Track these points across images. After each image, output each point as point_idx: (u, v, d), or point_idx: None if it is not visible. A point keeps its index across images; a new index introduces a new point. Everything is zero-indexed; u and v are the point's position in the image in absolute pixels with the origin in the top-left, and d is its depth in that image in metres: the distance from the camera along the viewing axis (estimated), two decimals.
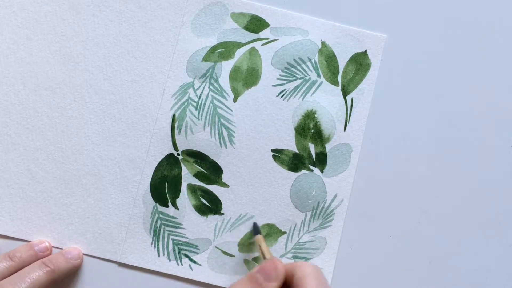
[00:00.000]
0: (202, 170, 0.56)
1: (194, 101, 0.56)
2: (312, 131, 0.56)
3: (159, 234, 0.55)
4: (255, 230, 0.54)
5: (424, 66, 0.57)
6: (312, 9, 0.57)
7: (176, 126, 0.56)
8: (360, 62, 0.57)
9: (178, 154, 0.56)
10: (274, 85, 0.56)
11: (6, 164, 0.55)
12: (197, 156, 0.56)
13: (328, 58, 0.56)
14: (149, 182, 0.55)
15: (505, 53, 0.57)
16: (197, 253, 0.55)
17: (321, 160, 0.56)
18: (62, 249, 0.55)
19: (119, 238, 0.55)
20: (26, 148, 0.55)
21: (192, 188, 0.55)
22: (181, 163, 0.56)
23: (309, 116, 0.56)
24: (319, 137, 0.56)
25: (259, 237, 0.53)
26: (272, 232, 0.55)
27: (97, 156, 0.55)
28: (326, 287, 0.45)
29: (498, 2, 0.58)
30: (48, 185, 0.55)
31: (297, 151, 0.56)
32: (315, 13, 0.57)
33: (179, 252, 0.55)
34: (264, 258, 0.51)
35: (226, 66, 0.56)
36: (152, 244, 0.55)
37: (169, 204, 0.55)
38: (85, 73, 0.56)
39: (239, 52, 0.56)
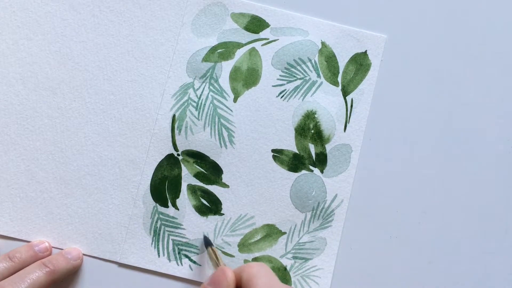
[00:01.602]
0: (202, 170, 0.56)
1: (194, 102, 0.56)
2: (312, 131, 0.56)
3: (159, 235, 0.55)
4: (207, 242, 0.54)
5: (424, 66, 0.57)
6: (312, 9, 0.57)
7: (176, 126, 0.56)
8: (360, 63, 0.57)
9: (178, 155, 0.56)
10: (274, 86, 0.56)
11: (6, 164, 0.55)
12: (197, 157, 0.56)
13: (328, 58, 0.56)
14: (149, 183, 0.55)
15: (505, 53, 0.57)
16: (197, 254, 0.55)
17: (321, 161, 0.56)
18: (62, 249, 0.55)
19: (119, 238, 0.55)
20: (26, 148, 0.55)
21: (192, 189, 0.55)
22: (181, 163, 0.56)
23: (309, 116, 0.56)
24: (319, 137, 0.56)
25: (214, 248, 0.53)
26: (272, 232, 0.55)
27: (97, 157, 0.55)
28: (275, 282, 0.45)
29: (498, 2, 0.58)
30: (48, 185, 0.55)
31: (297, 152, 0.56)
32: (315, 13, 0.57)
33: (179, 253, 0.55)
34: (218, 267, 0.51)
35: (226, 67, 0.56)
36: (152, 244, 0.55)
37: (169, 204, 0.55)
38: (85, 73, 0.56)
39: (239, 53, 0.56)
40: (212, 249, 0.52)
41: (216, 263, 0.51)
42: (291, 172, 0.56)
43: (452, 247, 0.56)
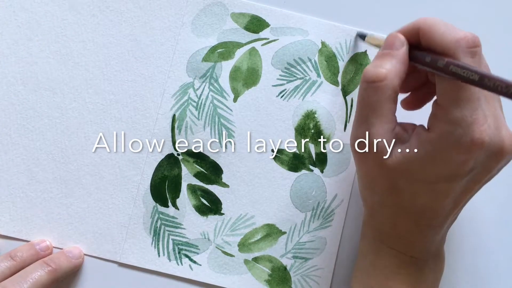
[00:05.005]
0: (202, 170, 0.56)
1: (194, 101, 0.56)
2: (312, 131, 0.56)
3: (159, 234, 0.55)
4: (361, 36, 0.55)
5: None
6: (312, 9, 0.57)
7: (176, 126, 0.56)
8: (360, 62, 0.57)
9: (178, 154, 0.56)
10: (274, 85, 0.56)
11: (6, 164, 0.55)
12: (197, 156, 0.56)
13: (328, 58, 0.56)
14: (149, 182, 0.55)
15: (505, 54, 0.57)
16: (197, 253, 0.55)
17: (321, 160, 0.56)
18: (62, 249, 0.55)
19: (119, 238, 0.55)
20: (26, 148, 0.55)
21: (192, 188, 0.56)
22: (181, 163, 0.56)
23: (309, 116, 0.56)
24: (319, 137, 0.56)
25: (369, 37, 0.54)
26: (272, 232, 0.55)
27: (97, 156, 0.55)
28: (453, 27, 0.44)
29: (498, 3, 0.58)
30: (48, 185, 0.55)
31: (297, 151, 0.56)
32: (315, 13, 0.57)
33: (179, 252, 0.55)
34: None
35: (226, 66, 0.56)
36: (152, 244, 0.55)
37: (169, 204, 0.55)
38: (85, 73, 0.56)
39: (239, 52, 0.56)
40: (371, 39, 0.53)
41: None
42: (291, 172, 0.56)
43: (452, 247, 0.56)
